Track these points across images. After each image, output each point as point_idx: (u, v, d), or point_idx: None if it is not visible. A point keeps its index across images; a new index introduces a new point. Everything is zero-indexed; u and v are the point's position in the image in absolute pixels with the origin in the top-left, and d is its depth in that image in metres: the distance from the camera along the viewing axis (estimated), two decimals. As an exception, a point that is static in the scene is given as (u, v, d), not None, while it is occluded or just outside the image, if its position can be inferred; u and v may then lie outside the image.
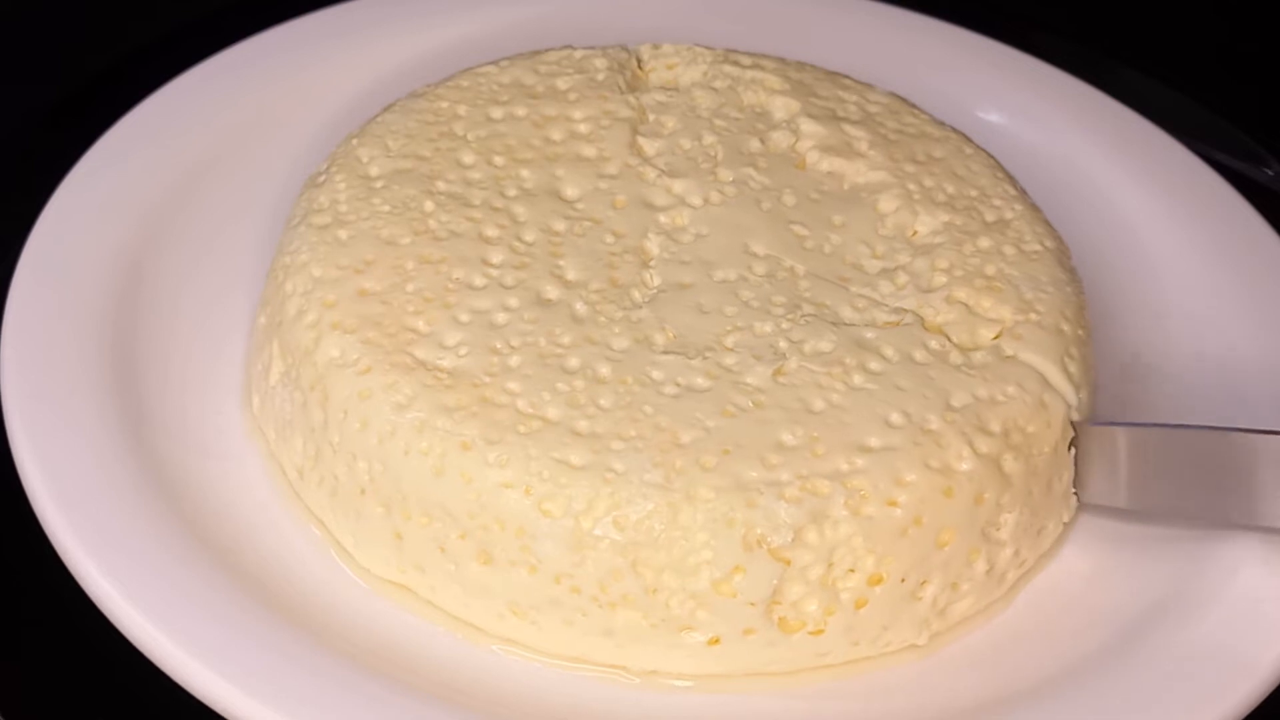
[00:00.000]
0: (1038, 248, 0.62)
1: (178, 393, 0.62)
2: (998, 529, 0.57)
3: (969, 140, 0.66)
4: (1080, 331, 0.61)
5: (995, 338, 0.59)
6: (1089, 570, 0.60)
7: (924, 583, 0.56)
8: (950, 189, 0.63)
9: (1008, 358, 0.59)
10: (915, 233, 0.62)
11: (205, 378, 0.62)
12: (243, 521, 0.59)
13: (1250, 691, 0.55)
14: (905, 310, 0.59)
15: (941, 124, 0.66)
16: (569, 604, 0.55)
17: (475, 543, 0.55)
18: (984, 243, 0.62)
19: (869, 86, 0.67)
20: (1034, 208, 0.64)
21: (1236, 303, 0.66)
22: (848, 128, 0.65)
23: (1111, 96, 0.74)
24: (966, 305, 0.60)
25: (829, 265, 0.60)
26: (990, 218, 0.63)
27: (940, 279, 0.60)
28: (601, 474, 0.54)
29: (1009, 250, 0.62)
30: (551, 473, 0.55)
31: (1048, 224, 0.64)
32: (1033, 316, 0.60)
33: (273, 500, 0.59)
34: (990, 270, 0.61)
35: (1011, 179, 0.65)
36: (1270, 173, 0.74)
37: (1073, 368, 0.59)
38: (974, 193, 0.64)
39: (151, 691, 0.54)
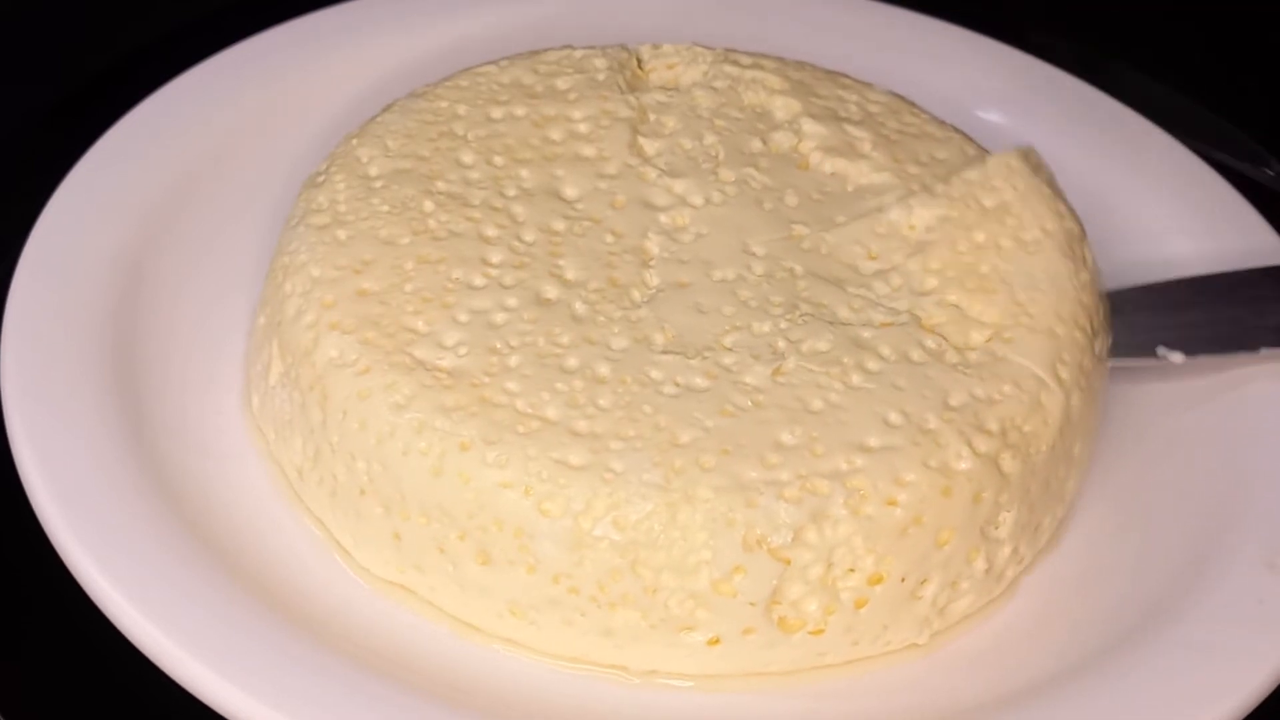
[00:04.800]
0: (1037, 234, 0.62)
1: (178, 393, 0.61)
2: (996, 528, 0.57)
3: (970, 140, 0.66)
4: (1076, 333, 0.60)
5: (986, 341, 0.59)
6: (1089, 569, 0.60)
7: (924, 582, 0.56)
8: (940, 182, 0.63)
9: (1003, 358, 0.59)
10: (912, 227, 0.62)
11: (205, 378, 0.62)
12: (243, 521, 0.59)
13: (1250, 691, 0.55)
14: (902, 312, 0.59)
15: (942, 123, 0.66)
16: (568, 604, 0.55)
17: (474, 543, 0.55)
18: (979, 236, 0.61)
19: (868, 85, 0.67)
20: (1037, 185, 0.63)
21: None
22: (849, 128, 0.65)
23: (1111, 96, 0.74)
24: (959, 308, 0.60)
25: (826, 266, 0.60)
26: (989, 202, 0.62)
27: (932, 281, 0.60)
28: (600, 474, 0.54)
29: (1005, 243, 0.61)
30: (550, 473, 0.55)
31: (1053, 200, 0.63)
32: (1024, 320, 0.60)
33: (273, 500, 0.59)
34: (984, 268, 0.61)
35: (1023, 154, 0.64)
36: (1270, 173, 0.74)
37: (1064, 373, 0.59)
38: (974, 176, 0.63)
39: (151, 691, 0.54)
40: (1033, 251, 0.61)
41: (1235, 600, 0.58)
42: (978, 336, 0.59)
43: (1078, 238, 0.62)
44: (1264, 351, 0.63)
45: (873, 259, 0.61)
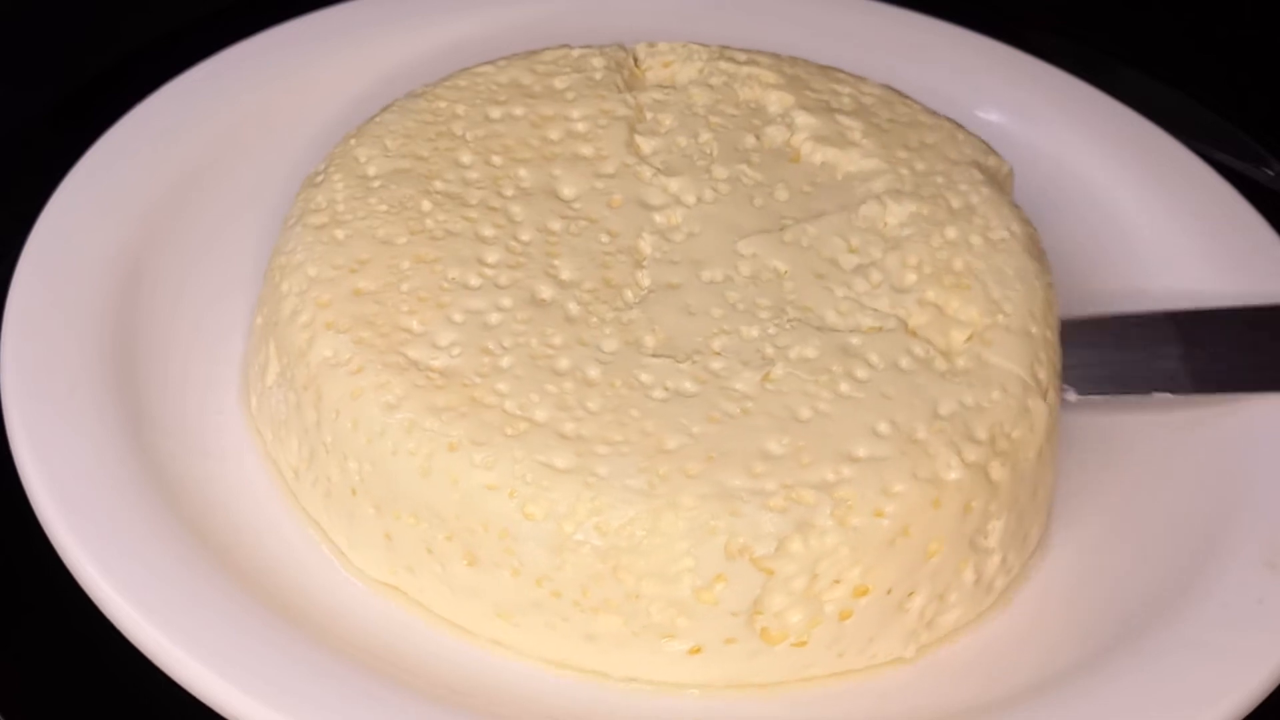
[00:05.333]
0: (1004, 234, 0.62)
1: (178, 393, 0.62)
2: (986, 537, 0.57)
3: (960, 127, 0.66)
4: (1048, 332, 0.60)
5: (967, 340, 0.59)
6: (1086, 572, 0.60)
7: (911, 594, 0.56)
8: (922, 172, 0.63)
9: (988, 363, 0.58)
10: (886, 224, 0.62)
11: (204, 378, 0.62)
12: (242, 521, 0.59)
13: (1250, 691, 0.55)
14: (887, 314, 0.59)
15: (933, 112, 0.66)
16: (551, 608, 0.55)
17: (461, 544, 0.55)
18: (951, 233, 0.61)
19: (862, 79, 0.67)
20: (999, 191, 0.63)
21: (1236, 303, 0.66)
22: (841, 118, 0.64)
23: (1111, 96, 0.74)
24: (938, 306, 0.59)
25: (808, 260, 0.60)
26: (956, 204, 0.62)
27: (910, 277, 0.60)
28: (585, 478, 0.54)
29: (975, 240, 0.61)
30: (535, 475, 0.54)
31: (1014, 207, 0.63)
32: (1000, 319, 0.59)
33: (271, 500, 0.59)
34: (958, 265, 0.60)
35: (982, 167, 0.64)
36: (1270, 173, 0.74)
37: (1041, 373, 0.59)
38: (940, 179, 0.63)
39: (151, 691, 0.54)
40: (1001, 250, 0.61)
41: (1235, 600, 0.57)
42: (959, 336, 0.59)
43: (1038, 243, 0.62)
44: (1156, 396, 0.63)
45: (853, 252, 0.61)
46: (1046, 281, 0.61)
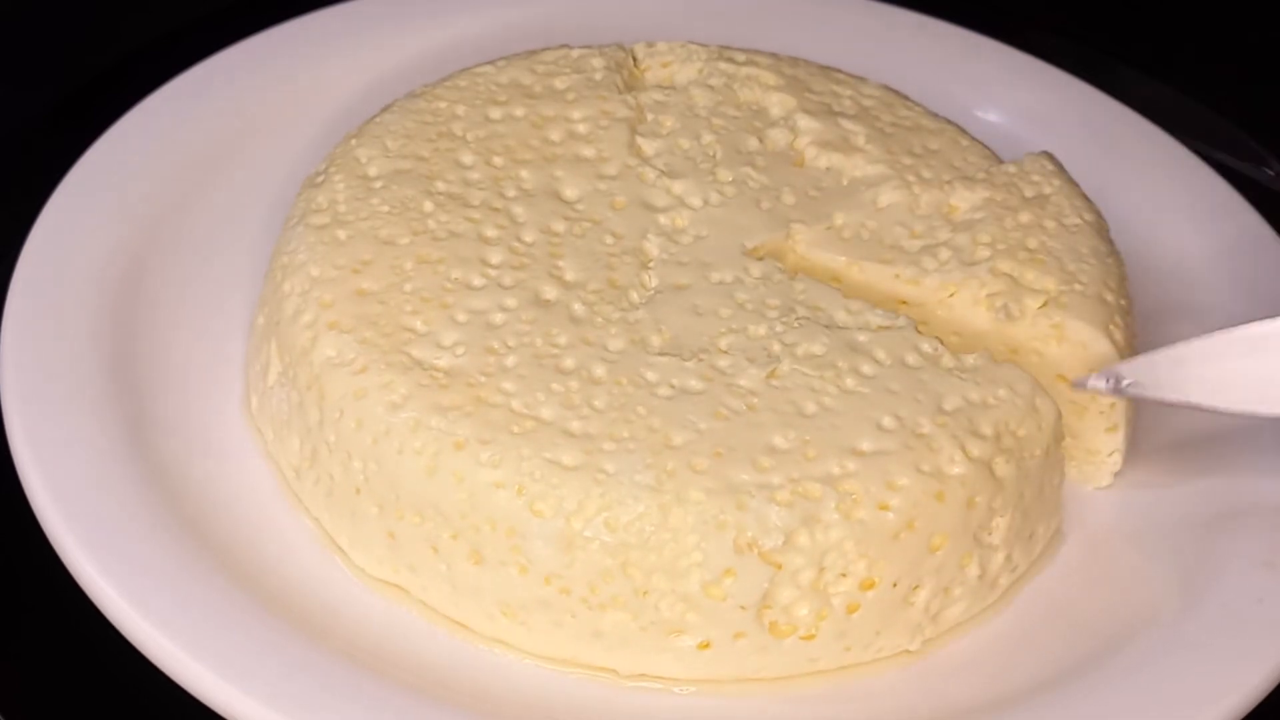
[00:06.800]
0: (1077, 221, 0.62)
1: (178, 393, 0.61)
2: (989, 533, 0.57)
3: (964, 132, 0.66)
4: (1123, 301, 0.61)
5: (1041, 306, 0.59)
6: (1085, 574, 0.60)
7: (916, 587, 0.56)
8: (929, 180, 0.63)
9: (1001, 362, 0.58)
10: (955, 209, 0.62)
11: (205, 378, 0.62)
12: (242, 521, 0.59)
13: (1250, 691, 0.55)
14: (907, 307, 0.59)
15: (935, 116, 0.66)
16: (559, 605, 0.55)
17: (467, 543, 0.55)
18: (1024, 217, 0.62)
19: (862, 80, 0.67)
20: (1071, 182, 0.64)
21: (1236, 303, 0.66)
22: (844, 122, 0.65)
23: (1111, 96, 0.74)
24: (1011, 276, 0.60)
25: (870, 251, 0.60)
26: (1029, 193, 0.63)
27: (983, 252, 0.60)
28: (593, 475, 0.54)
29: (1049, 224, 0.62)
30: (543, 473, 0.54)
31: (1085, 198, 0.64)
32: (1077, 286, 0.60)
33: (272, 500, 0.59)
34: (1032, 243, 0.61)
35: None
36: (1270, 173, 0.74)
37: (1118, 335, 0.59)
38: (1013, 169, 0.64)
39: (151, 691, 0.54)
40: (1075, 232, 0.62)
41: (1235, 600, 0.57)
42: (1033, 303, 0.59)
43: (1107, 233, 0.63)
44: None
45: (917, 237, 0.61)
46: (1120, 261, 0.62)
